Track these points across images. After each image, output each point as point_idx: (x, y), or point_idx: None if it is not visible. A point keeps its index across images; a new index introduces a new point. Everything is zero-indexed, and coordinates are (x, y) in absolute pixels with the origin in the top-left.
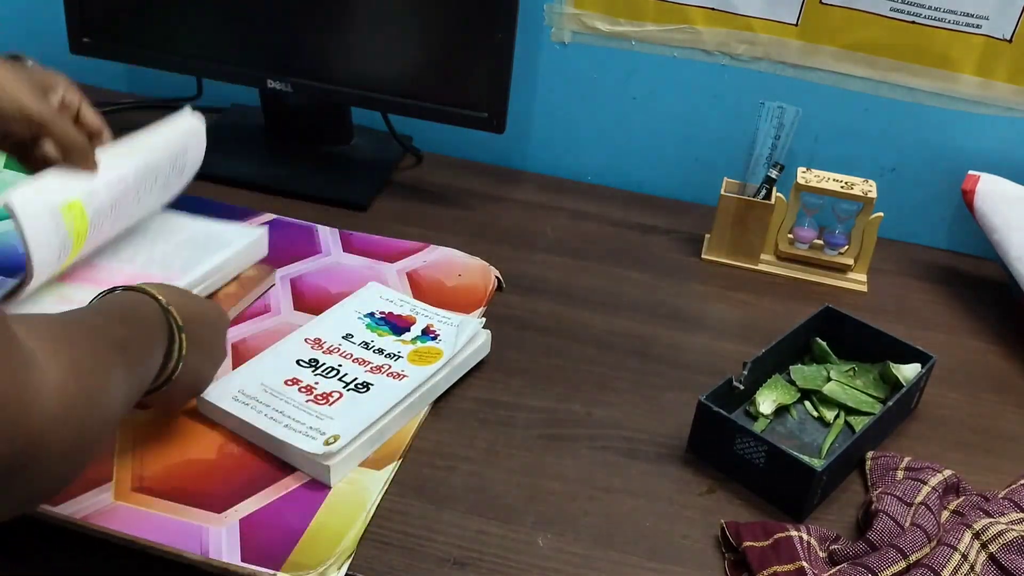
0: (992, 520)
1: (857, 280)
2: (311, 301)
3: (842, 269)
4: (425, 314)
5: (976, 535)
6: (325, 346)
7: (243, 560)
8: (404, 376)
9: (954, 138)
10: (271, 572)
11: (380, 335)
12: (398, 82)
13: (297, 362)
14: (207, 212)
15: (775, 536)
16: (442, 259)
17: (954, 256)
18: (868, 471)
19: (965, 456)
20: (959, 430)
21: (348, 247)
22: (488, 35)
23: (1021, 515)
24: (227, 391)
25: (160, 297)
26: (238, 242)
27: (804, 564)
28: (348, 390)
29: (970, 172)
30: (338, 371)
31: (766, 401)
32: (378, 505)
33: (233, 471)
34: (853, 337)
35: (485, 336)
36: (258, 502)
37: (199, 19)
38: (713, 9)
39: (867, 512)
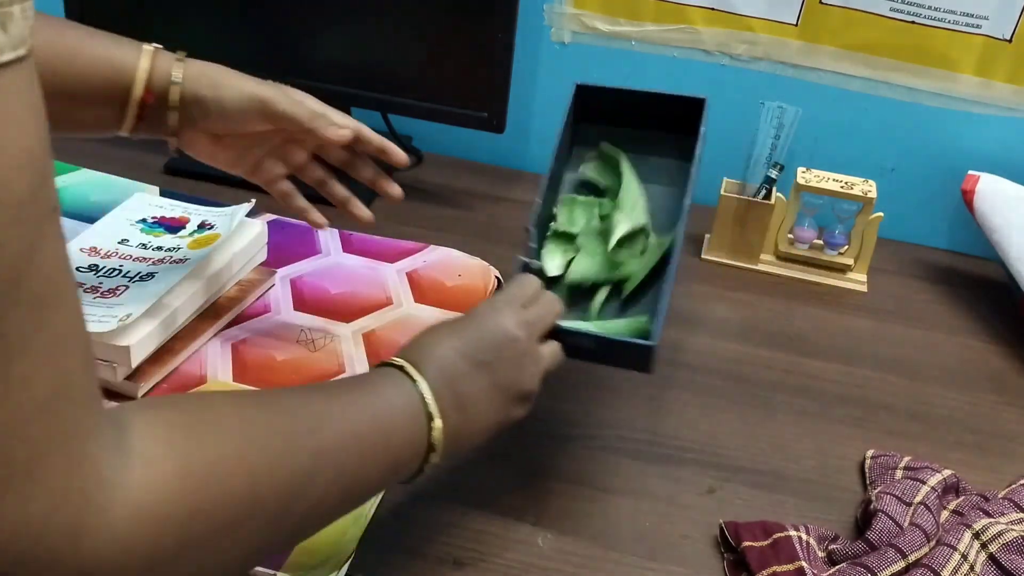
0: (992, 520)
1: (857, 280)
2: (311, 301)
3: (842, 269)
4: (198, 212)
5: (976, 535)
6: (102, 252)
7: None
8: (186, 260)
9: (954, 138)
10: (271, 572)
11: (156, 236)
12: (398, 82)
13: (76, 269)
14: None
15: (774, 536)
16: (442, 259)
17: (954, 256)
18: (867, 470)
19: (965, 456)
20: (959, 430)
21: (348, 247)
22: (488, 35)
23: (1021, 515)
24: None
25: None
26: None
27: (803, 564)
28: (133, 282)
29: (970, 172)
30: (120, 270)
31: (552, 262)
32: (378, 505)
33: None
34: (615, 110)
35: (260, 225)
36: None
37: (199, 19)
38: (713, 9)
39: (866, 512)
